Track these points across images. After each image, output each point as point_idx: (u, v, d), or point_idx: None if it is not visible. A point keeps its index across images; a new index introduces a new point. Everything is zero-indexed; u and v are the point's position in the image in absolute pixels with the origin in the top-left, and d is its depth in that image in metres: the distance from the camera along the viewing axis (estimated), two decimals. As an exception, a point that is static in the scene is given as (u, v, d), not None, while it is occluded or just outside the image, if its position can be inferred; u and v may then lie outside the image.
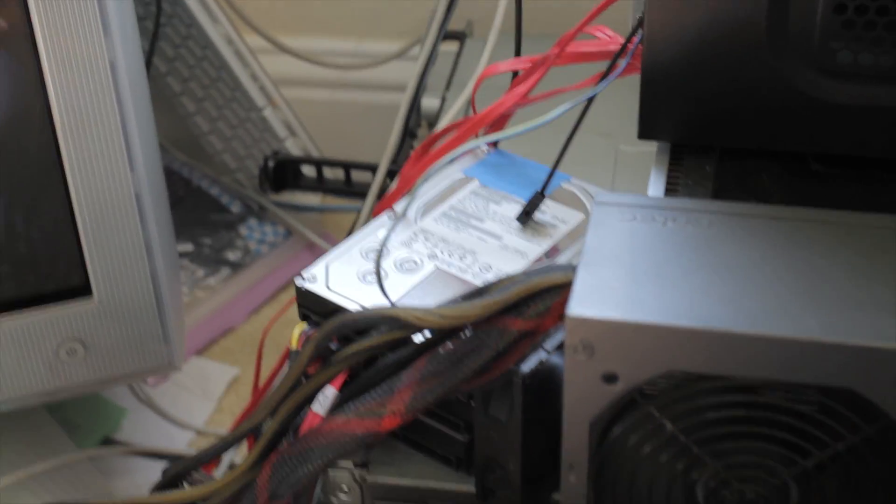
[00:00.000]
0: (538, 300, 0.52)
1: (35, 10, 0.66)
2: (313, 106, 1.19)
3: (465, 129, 0.71)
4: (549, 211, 0.68)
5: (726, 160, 0.61)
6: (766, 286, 0.49)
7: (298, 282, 0.63)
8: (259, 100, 1.09)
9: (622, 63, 0.63)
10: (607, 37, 0.66)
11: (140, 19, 1.05)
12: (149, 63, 1.07)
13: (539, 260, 0.65)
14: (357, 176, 1.04)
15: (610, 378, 0.49)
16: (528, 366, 0.54)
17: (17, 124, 0.69)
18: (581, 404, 0.50)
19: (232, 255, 1.11)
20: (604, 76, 0.64)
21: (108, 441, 0.92)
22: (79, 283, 0.73)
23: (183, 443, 0.93)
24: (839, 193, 0.59)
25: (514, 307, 0.52)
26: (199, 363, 1.01)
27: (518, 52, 0.74)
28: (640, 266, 0.51)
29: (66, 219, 0.71)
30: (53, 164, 0.69)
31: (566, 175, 0.70)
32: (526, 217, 0.67)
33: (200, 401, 0.98)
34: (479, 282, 0.61)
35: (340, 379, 0.58)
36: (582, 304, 0.49)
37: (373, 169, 0.97)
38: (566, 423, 0.50)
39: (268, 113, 1.09)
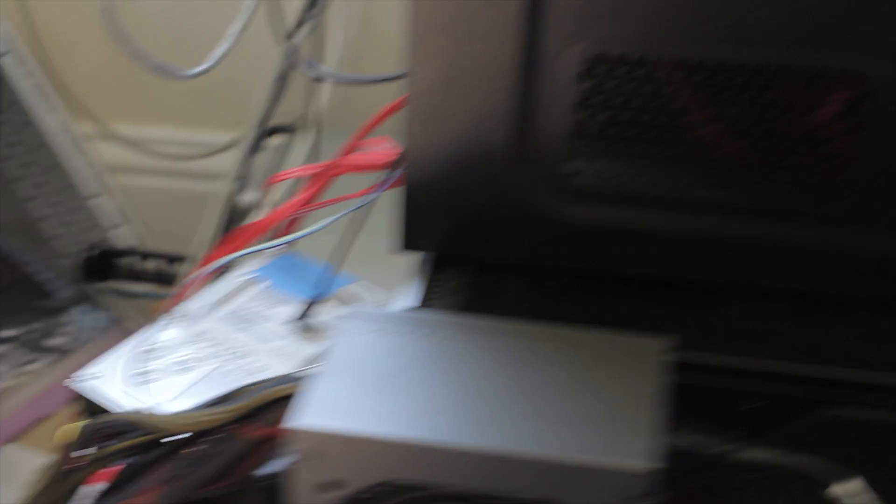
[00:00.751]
0: (275, 408, 0.54)
1: None
2: (146, 194, 1.21)
3: (254, 230, 0.74)
4: (330, 313, 0.71)
5: (481, 273, 0.64)
6: (485, 399, 0.52)
7: (70, 382, 0.65)
8: (91, 188, 1.10)
9: (391, 177, 0.66)
10: (384, 150, 0.70)
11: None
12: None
13: (311, 362, 0.67)
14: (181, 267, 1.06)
15: (329, 486, 0.51)
16: (264, 471, 0.56)
17: None
18: (305, 511, 0.52)
19: (58, 341, 1.11)
20: (375, 187, 0.67)
21: None
22: None
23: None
24: (579, 308, 0.62)
25: (253, 414, 0.55)
26: (13, 451, 1.01)
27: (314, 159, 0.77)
28: (368, 378, 0.53)
29: None
30: None
31: (354, 277, 0.73)
32: (303, 320, 0.70)
33: (12, 490, 0.97)
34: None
35: (102, 477, 0.60)
36: (304, 414, 0.51)
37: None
38: (292, 528, 0.52)
39: (99, 201, 1.10)
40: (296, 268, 0.75)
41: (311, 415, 0.51)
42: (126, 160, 1.19)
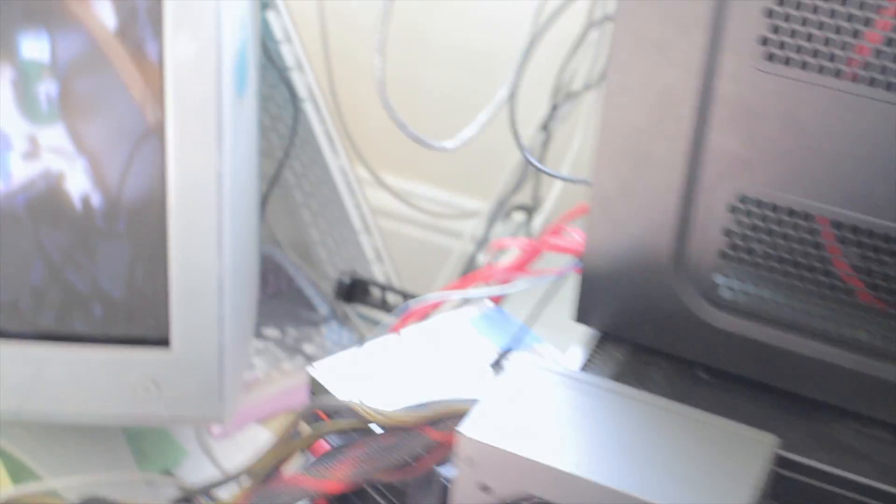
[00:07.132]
0: (453, 419, 0.71)
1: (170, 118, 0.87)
2: (402, 239, 1.41)
3: (473, 280, 0.91)
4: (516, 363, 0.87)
5: (636, 352, 0.79)
6: (618, 448, 0.67)
7: (309, 369, 0.84)
8: (357, 224, 1.31)
9: (577, 264, 0.81)
10: (577, 238, 0.86)
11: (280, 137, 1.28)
12: (279, 173, 1.31)
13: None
14: (417, 304, 1.25)
15: (485, 488, 0.67)
16: (440, 469, 0.73)
17: (144, 198, 0.90)
18: (462, 505, 0.68)
19: (309, 349, 1.32)
20: (564, 269, 0.83)
21: (167, 473, 1.13)
22: (162, 336, 0.95)
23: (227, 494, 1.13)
24: (713, 399, 0.75)
25: (436, 421, 0.72)
26: (257, 430, 1.22)
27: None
28: (527, 409, 0.69)
29: (163, 289, 0.93)
30: (162, 238, 0.90)
31: (539, 338, 0.89)
32: (495, 364, 0.86)
33: (247, 456, 1.18)
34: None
35: (316, 450, 0.78)
36: (470, 426, 0.68)
37: (425, 301, 1.18)
38: (452, 521, 0.69)
39: (363, 238, 1.31)
40: (499, 321, 0.92)
41: (473, 427, 0.68)
42: (390, 207, 1.39)
